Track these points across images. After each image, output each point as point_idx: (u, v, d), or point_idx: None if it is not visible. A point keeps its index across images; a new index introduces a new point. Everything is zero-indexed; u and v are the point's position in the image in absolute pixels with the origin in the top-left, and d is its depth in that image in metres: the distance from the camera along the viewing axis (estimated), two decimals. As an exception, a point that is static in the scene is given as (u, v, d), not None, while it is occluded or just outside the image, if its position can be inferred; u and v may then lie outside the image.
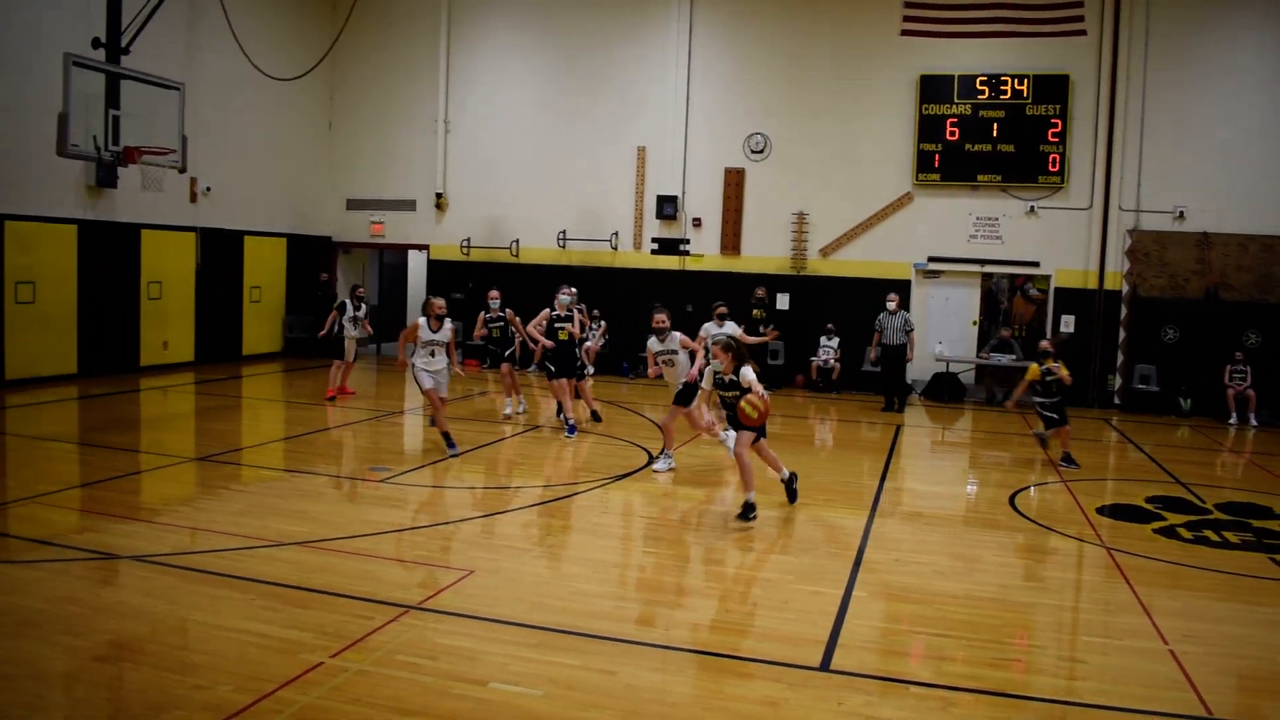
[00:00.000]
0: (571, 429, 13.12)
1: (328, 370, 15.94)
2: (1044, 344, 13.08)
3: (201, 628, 6.02)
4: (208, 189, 18.96)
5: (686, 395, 11.30)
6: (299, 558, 7.48)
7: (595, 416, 14.30)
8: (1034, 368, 12.63)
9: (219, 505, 9.13)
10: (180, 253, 18.53)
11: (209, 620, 6.13)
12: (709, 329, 13.23)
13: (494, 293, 14.86)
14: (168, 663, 5.51)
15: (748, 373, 9.02)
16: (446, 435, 11.68)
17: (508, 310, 14.70)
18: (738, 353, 9.15)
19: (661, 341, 11.51)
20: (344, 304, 15.73)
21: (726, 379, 9.20)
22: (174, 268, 18.37)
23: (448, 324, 11.71)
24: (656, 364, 11.57)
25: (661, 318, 11.56)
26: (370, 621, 6.15)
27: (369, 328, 15.97)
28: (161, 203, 17.52)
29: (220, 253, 19.42)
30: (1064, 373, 12.46)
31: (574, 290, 13.89)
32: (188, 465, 10.73)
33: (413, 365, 11.68)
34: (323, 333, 16.11)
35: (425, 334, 11.52)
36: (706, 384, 9.60)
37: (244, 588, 6.77)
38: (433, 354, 11.64)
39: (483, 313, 14.73)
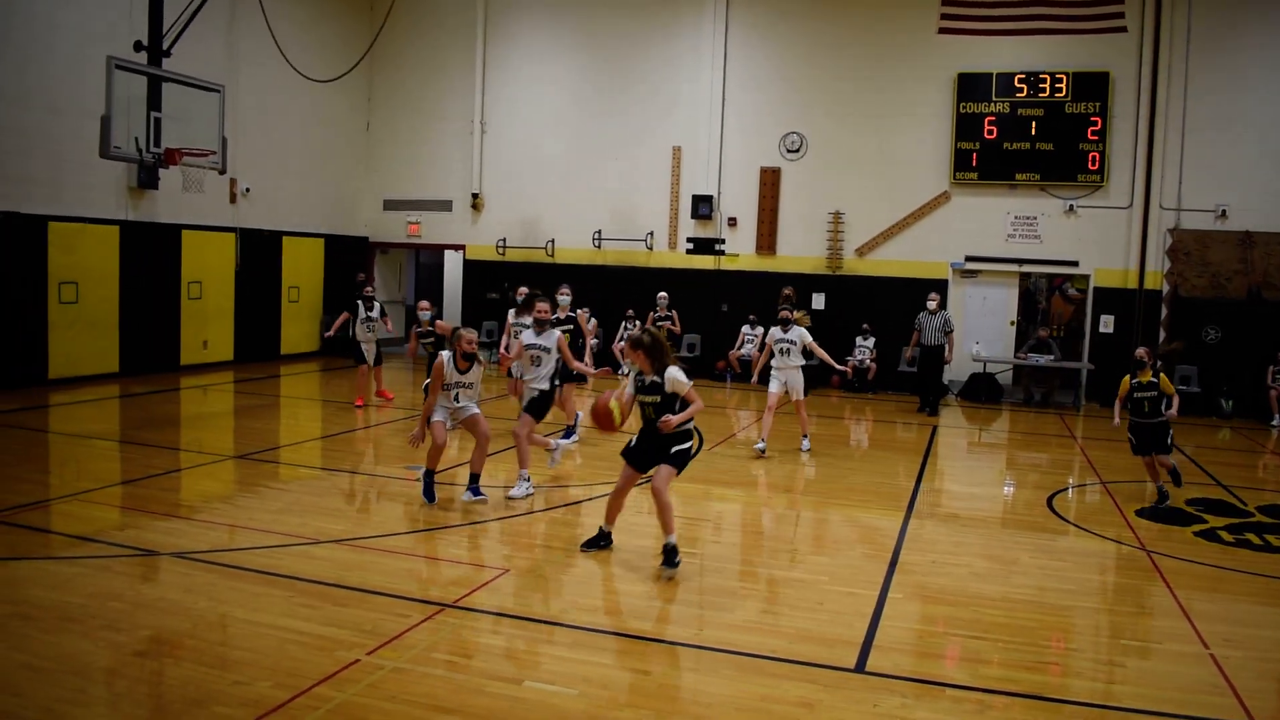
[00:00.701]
0: (568, 434, 12.04)
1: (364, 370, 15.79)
2: (1139, 351, 10.60)
3: (240, 624, 6.09)
4: (247, 190, 19.19)
5: (540, 405, 9.82)
6: (336, 555, 7.55)
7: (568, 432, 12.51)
8: (1124, 381, 10.57)
9: (258, 503, 9.23)
10: (220, 253, 18.76)
11: (248, 617, 6.20)
12: (774, 334, 12.61)
13: (424, 303, 14.02)
14: (207, 658, 5.58)
15: (675, 374, 7.39)
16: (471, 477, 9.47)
17: (580, 311, 13.23)
18: (654, 349, 7.46)
19: (538, 334, 9.98)
20: (356, 305, 15.04)
21: (648, 380, 7.51)
22: (214, 268, 18.60)
23: (477, 366, 9.23)
24: (522, 356, 10.03)
25: (544, 307, 10.10)
26: (406, 619, 6.20)
27: (389, 325, 15.45)
28: (202, 203, 17.76)
29: (259, 253, 19.64)
30: (1165, 384, 10.29)
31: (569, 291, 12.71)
32: (227, 463, 10.86)
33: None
34: (329, 333, 15.60)
35: (451, 374, 9.03)
36: (630, 388, 7.65)
37: (282, 585, 6.84)
38: (457, 397, 9.13)
39: (415, 326, 13.96)
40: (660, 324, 14.01)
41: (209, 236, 18.43)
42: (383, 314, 15.31)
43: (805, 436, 12.68)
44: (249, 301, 19.46)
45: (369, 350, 15.06)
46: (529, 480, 9.57)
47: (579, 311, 13.15)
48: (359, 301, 15.13)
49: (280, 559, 7.41)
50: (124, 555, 7.34)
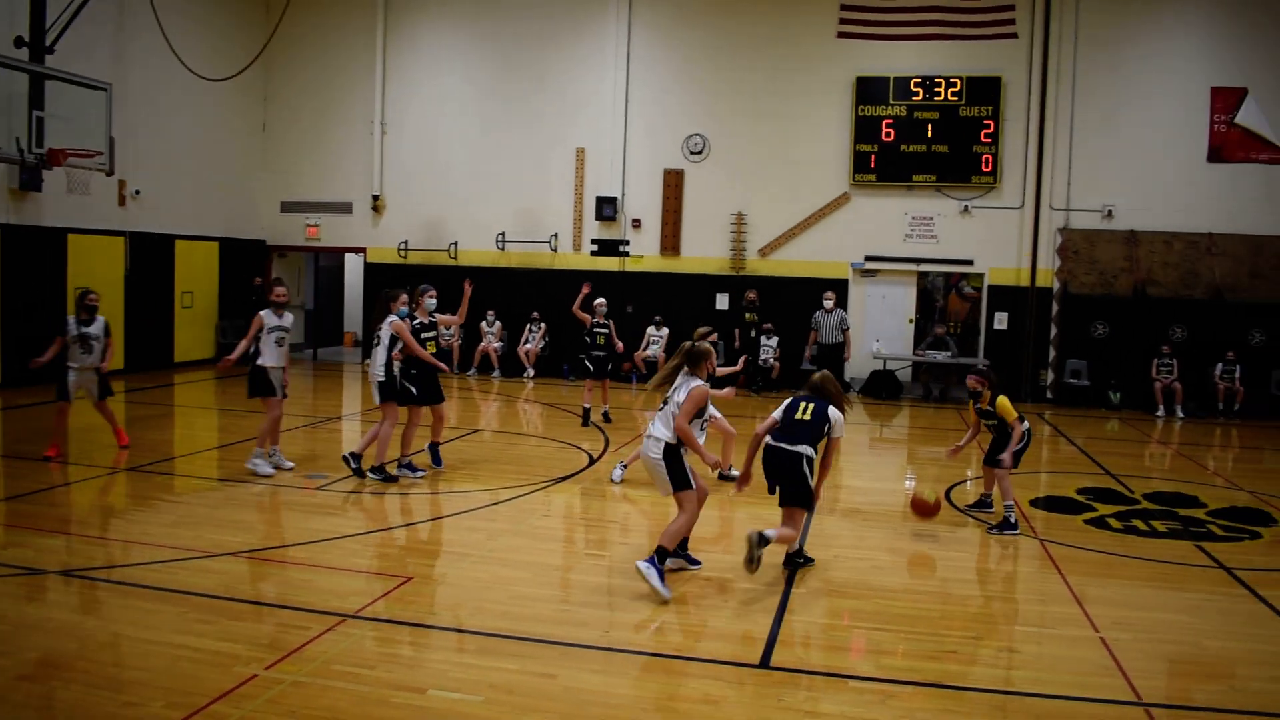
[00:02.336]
0: (407, 471, 10.69)
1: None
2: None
3: (132, 643, 5.89)
4: (137, 192, 18.54)
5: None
6: (233, 568, 7.35)
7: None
8: (970, 407, 9.92)
9: (151, 517, 8.94)
10: (108, 257, 18.10)
11: (140, 635, 6.00)
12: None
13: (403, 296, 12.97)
14: (97, 680, 5.38)
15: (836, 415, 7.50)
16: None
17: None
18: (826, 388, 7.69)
19: (279, 316, 10.45)
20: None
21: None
22: (102, 273, 17.92)
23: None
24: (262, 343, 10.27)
25: (282, 291, 10.54)
26: (306, 631, 6.06)
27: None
28: (88, 206, 17.13)
29: (150, 257, 19.01)
30: (1003, 410, 9.31)
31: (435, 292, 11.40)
32: (117, 476, 10.50)
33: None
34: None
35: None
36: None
37: (176, 600, 6.63)
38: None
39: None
40: (598, 332, 13.87)
41: (96, 240, 17.76)
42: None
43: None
44: (140, 307, 18.81)
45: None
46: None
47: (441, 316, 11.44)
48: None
49: (174, 574, 7.18)
50: (8, 574, 7.03)
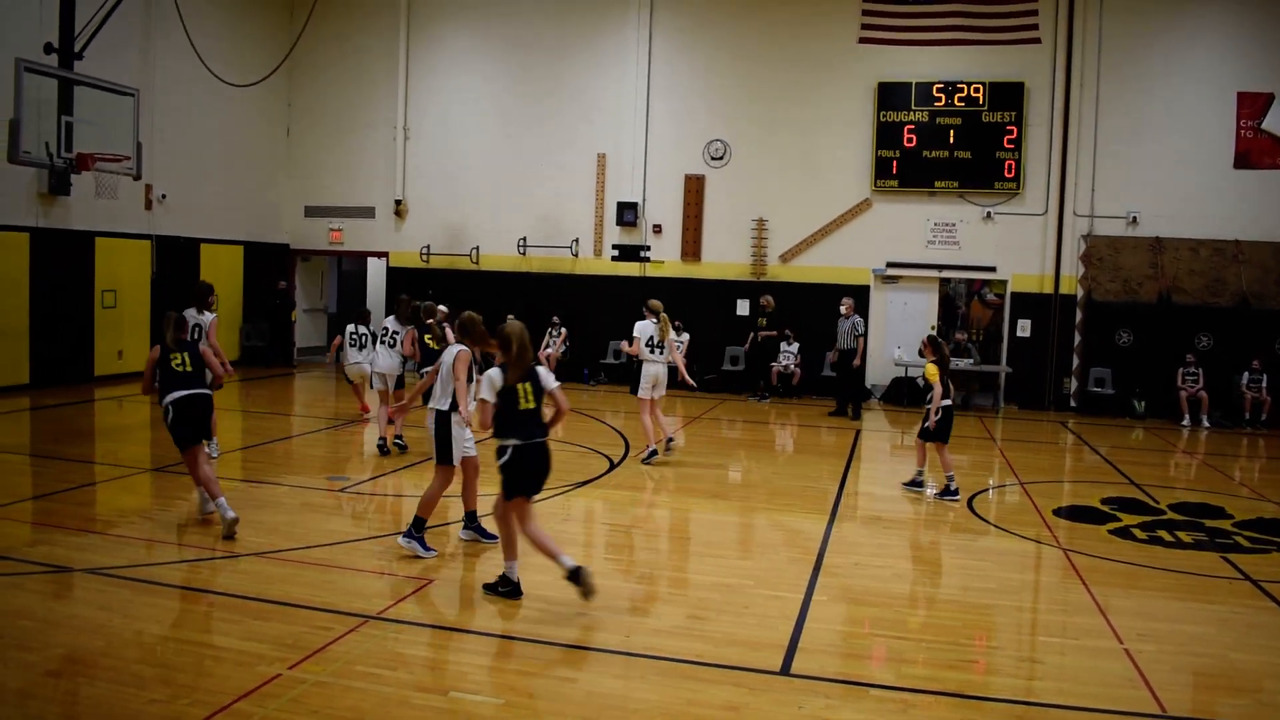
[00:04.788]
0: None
1: (284, 379, 15.41)
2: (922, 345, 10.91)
3: (158, 641, 5.94)
4: (163, 196, 18.73)
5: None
6: (257, 568, 7.40)
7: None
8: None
9: (177, 516, 9.01)
10: (135, 261, 18.29)
11: (165, 633, 6.06)
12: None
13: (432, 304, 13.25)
14: (123, 677, 5.43)
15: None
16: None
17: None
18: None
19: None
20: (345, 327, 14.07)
21: None
22: (129, 276, 18.12)
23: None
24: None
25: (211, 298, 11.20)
26: (329, 632, 6.10)
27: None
28: (116, 210, 17.30)
29: (176, 260, 19.18)
30: (928, 373, 10.53)
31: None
32: (144, 476, 10.59)
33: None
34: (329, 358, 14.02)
35: None
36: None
37: (201, 600, 6.69)
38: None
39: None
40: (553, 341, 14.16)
41: (124, 244, 17.96)
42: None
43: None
44: (167, 310, 18.84)
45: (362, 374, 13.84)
46: None
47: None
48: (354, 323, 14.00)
49: (199, 573, 7.24)
50: (36, 572, 7.11)
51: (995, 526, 9.64)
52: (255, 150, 21.60)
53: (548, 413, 6.96)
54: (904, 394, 18.55)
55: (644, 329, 11.90)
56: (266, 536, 8.28)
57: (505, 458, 6.69)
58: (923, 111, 18.88)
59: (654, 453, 11.96)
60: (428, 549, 7.73)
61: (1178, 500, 11.06)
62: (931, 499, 10.63)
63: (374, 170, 22.00)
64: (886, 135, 19.08)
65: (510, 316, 8.36)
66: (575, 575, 6.52)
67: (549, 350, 20.20)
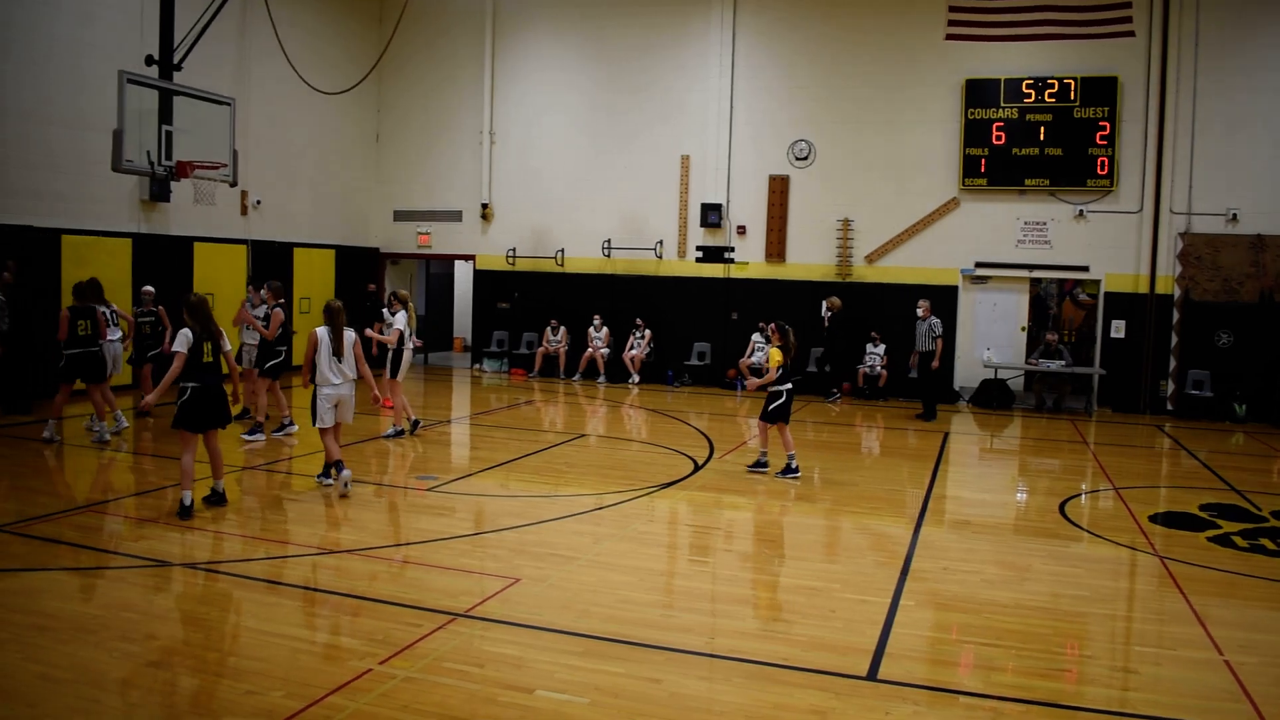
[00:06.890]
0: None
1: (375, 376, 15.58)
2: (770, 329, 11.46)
3: (253, 634, 6.12)
4: (258, 202, 19.28)
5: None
6: (348, 565, 7.57)
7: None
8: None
9: (271, 514, 9.26)
10: (232, 264, 18.85)
11: (260, 627, 6.23)
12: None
13: (148, 288, 14.70)
14: (220, 668, 5.61)
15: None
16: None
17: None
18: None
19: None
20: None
21: None
22: (226, 279, 18.67)
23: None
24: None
25: (148, 290, 12.95)
26: (418, 629, 6.21)
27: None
28: (213, 216, 17.85)
29: (271, 264, 19.69)
30: (771, 356, 11.25)
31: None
32: (242, 474, 10.88)
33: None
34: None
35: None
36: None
37: (294, 595, 6.87)
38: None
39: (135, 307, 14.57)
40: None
41: (221, 248, 18.52)
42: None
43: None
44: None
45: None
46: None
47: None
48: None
49: (293, 569, 7.43)
50: (138, 566, 7.38)
51: (1089, 532, 9.41)
52: (345, 155, 22.08)
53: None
54: (993, 396, 18.20)
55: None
56: (357, 534, 8.47)
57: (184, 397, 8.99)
58: (1012, 108, 18.51)
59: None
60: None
61: (1282, 507, 10.67)
62: (775, 477, 11.20)
63: (461, 174, 22.32)
64: (974, 133, 18.74)
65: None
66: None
67: (633, 351, 20.27)
